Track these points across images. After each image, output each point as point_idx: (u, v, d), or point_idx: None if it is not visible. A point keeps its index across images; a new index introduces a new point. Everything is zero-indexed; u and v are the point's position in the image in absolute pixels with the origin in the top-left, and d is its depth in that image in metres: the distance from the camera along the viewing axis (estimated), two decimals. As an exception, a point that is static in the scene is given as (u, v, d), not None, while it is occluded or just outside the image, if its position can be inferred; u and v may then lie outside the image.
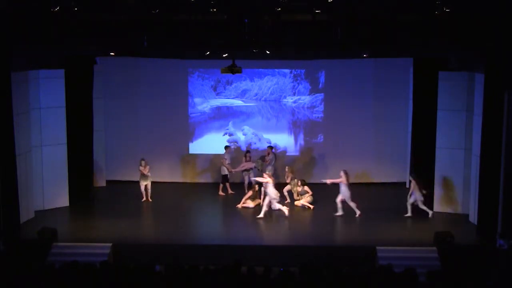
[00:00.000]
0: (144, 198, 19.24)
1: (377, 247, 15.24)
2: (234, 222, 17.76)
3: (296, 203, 18.79)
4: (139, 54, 19.09)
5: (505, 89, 15.36)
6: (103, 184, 21.00)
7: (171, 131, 21.44)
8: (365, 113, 21.23)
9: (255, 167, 19.69)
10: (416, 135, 19.18)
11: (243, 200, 18.68)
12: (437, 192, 18.15)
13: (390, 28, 15.26)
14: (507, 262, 14.16)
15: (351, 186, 17.78)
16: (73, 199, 18.67)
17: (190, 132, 21.62)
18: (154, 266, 11.52)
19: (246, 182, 19.64)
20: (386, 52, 17.68)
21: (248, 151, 20.33)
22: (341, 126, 21.33)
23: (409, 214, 17.56)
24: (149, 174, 19.15)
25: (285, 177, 19.15)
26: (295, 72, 21.26)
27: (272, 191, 17.58)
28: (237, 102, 21.49)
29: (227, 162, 19.90)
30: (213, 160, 21.20)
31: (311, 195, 18.77)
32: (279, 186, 18.92)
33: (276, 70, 21.18)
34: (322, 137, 21.52)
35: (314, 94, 21.28)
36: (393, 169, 21.16)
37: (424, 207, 17.52)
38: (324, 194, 18.99)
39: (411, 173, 18.17)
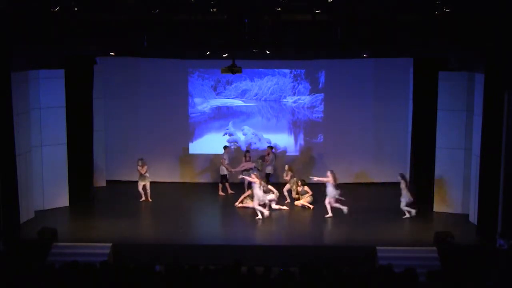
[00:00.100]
0: (143, 198, 19.23)
1: (377, 247, 15.24)
2: (234, 222, 17.76)
3: (296, 203, 18.80)
4: (139, 54, 19.09)
5: (505, 89, 15.36)
6: (103, 184, 21.00)
7: (171, 131, 21.45)
8: (365, 113, 21.24)
9: (255, 167, 19.69)
10: (416, 135, 19.18)
11: (240, 198, 18.70)
12: (437, 192, 18.14)
13: (390, 28, 15.26)
14: (507, 262, 14.16)
15: (339, 186, 17.81)
16: (73, 199, 18.68)
17: (190, 132, 21.63)
18: (154, 266, 11.52)
19: (246, 182, 19.64)
20: (386, 52, 17.68)
21: (247, 151, 20.33)
22: (341, 126, 21.33)
23: (407, 215, 17.54)
24: (147, 174, 19.14)
25: (285, 175, 19.13)
26: (295, 72, 21.26)
27: (259, 192, 17.60)
28: (237, 102, 21.49)
29: (226, 162, 19.91)
30: (213, 160, 21.19)
31: (311, 195, 18.78)
32: (278, 186, 18.95)
33: (276, 70, 21.18)
34: (322, 137, 21.52)
35: (314, 94, 21.29)
36: (393, 169, 21.06)
37: (405, 208, 17.50)
38: (324, 194, 18.96)
39: (399, 173, 18.02)
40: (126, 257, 14.71)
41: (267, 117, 21.56)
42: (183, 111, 21.46)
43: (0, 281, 10.93)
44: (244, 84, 21.34)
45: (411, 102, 19.59)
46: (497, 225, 15.59)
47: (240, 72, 16.73)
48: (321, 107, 21.35)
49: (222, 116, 21.56)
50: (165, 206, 18.88)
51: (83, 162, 19.17)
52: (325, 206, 17.70)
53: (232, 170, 19.92)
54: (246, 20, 15.04)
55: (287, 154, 21.46)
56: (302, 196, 18.83)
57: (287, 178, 19.03)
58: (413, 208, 17.56)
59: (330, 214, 17.66)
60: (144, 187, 19.19)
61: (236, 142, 21.57)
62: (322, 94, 21.27)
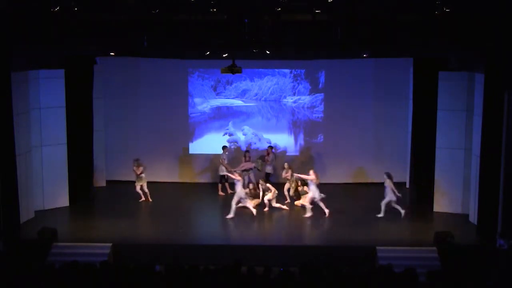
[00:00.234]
0: (142, 199, 19.23)
1: (377, 247, 15.25)
2: (234, 222, 17.74)
3: (296, 203, 18.77)
4: (139, 54, 19.08)
5: (505, 89, 15.36)
6: (103, 184, 21.00)
7: (171, 131, 21.44)
8: (365, 113, 21.24)
9: (255, 167, 19.71)
10: (416, 135, 19.18)
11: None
12: (437, 192, 18.14)
13: (390, 28, 15.26)
14: (507, 262, 14.16)
15: (320, 186, 17.86)
16: (73, 199, 18.68)
17: (190, 132, 21.63)
18: (154, 266, 11.52)
19: (246, 182, 19.63)
20: (386, 52, 17.67)
21: (247, 151, 20.33)
22: (341, 126, 21.33)
23: (402, 214, 17.50)
24: (142, 175, 19.14)
25: (284, 173, 19.14)
26: (295, 72, 21.26)
27: (241, 191, 17.58)
28: (237, 102, 21.49)
29: (225, 162, 19.92)
30: (213, 160, 21.19)
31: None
32: (278, 186, 18.95)
33: (276, 70, 21.18)
34: (322, 137, 21.52)
35: (314, 94, 21.29)
36: (393, 169, 21.05)
37: (383, 207, 17.49)
38: (324, 194, 18.95)
39: (385, 172, 17.97)
40: (126, 257, 14.72)
41: (267, 117, 21.56)
42: (183, 111, 21.46)
43: (0, 281, 10.93)
44: (244, 84, 21.34)
45: (411, 102, 19.59)
46: (497, 225, 15.59)
47: (240, 72, 16.73)
48: (321, 107, 21.35)
49: (222, 116, 21.56)
50: (165, 206, 18.89)
51: (83, 162, 19.16)
52: (327, 206, 17.70)
53: (232, 170, 19.91)
54: (246, 20, 15.05)
55: (287, 154, 21.45)
56: (302, 196, 18.82)
57: (287, 176, 19.04)
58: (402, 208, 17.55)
59: (310, 213, 17.65)
60: (141, 187, 19.19)
61: (236, 142, 21.57)
62: (322, 94, 21.27)
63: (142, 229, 17.20)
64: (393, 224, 17.12)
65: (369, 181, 21.24)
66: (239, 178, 17.77)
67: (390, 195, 17.47)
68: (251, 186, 19.01)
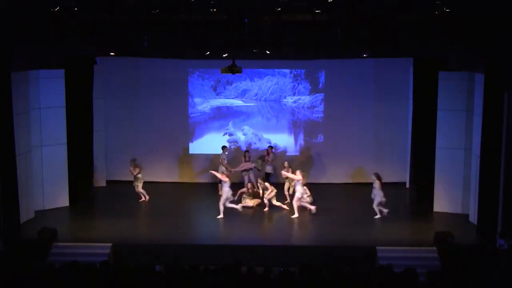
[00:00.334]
0: (142, 199, 19.24)
1: (377, 247, 15.25)
2: (234, 222, 17.74)
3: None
4: (139, 54, 19.09)
5: (505, 89, 15.35)
6: (103, 184, 21.01)
7: (171, 131, 21.45)
8: (365, 113, 21.24)
9: (254, 167, 19.70)
10: (416, 135, 19.17)
11: (241, 198, 18.78)
12: (437, 192, 18.14)
13: (390, 28, 15.26)
14: (507, 262, 14.16)
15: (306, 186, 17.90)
16: (73, 199, 18.69)
17: (190, 132, 21.63)
18: (154, 266, 11.52)
19: (246, 182, 19.63)
20: (386, 52, 17.68)
21: (247, 151, 20.33)
22: (341, 126, 21.33)
23: (379, 215, 17.47)
24: (139, 175, 19.14)
25: (284, 172, 19.16)
26: (295, 72, 21.26)
27: (227, 191, 17.59)
28: (237, 102, 21.49)
29: (225, 162, 19.92)
30: (213, 160, 21.19)
31: (309, 195, 18.76)
32: (279, 186, 18.94)
33: (276, 70, 21.18)
34: (322, 137, 21.52)
35: (314, 94, 21.29)
36: (393, 169, 21.14)
37: (376, 208, 17.45)
38: (324, 194, 18.99)
39: (374, 173, 17.93)
40: (126, 257, 14.72)
41: (267, 117, 21.56)
42: (183, 111, 21.46)
43: (0, 281, 10.93)
44: (244, 84, 21.34)
45: (411, 102, 19.59)
46: (497, 225, 15.59)
47: (240, 72, 16.73)
48: (321, 107, 21.35)
49: (222, 116, 21.56)
50: (165, 206, 18.89)
51: (83, 162, 19.17)
52: (327, 206, 17.70)
53: (232, 170, 19.92)
54: (246, 20, 15.05)
55: (287, 154, 21.44)
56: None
57: (287, 175, 19.06)
58: (386, 208, 17.52)
59: (296, 214, 17.65)
60: (138, 188, 19.20)
61: (236, 142, 21.57)
62: (322, 94, 21.27)
63: (142, 229, 17.19)
64: (393, 224, 17.12)
65: (369, 181, 21.17)
66: (226, 179, 17.74)
67: (379, 196, 17.43)
68: (249, 185, 19.05)
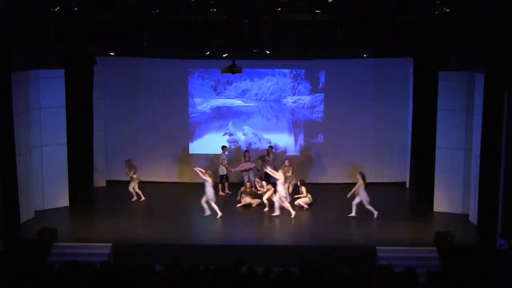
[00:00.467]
0: (135, 198, 19.24)
1: (377, 247, 15.24)
2: (234, 222, 17.75)
3: (296, 202, 18.74)
4: (139, 54, 19.10)
5: (505, 89, 15.35)
6: (103, 184, 21.01)
7: (171, 131, 21.45)
8: (365, 113, 21.24)
9: (254, 167, 19.71)
10: (416, 135, 19.18)
11: (240, 197, 18.84)
12: (437, 192, 18.14)
13: (390, 28, 15.26)
14: (507, 262, 14.15)
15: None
16: (73, 199, 18.69)
17: (190, 132, 21.63)
18: (154, 266, 11.52)
19: (246, 182, 19.62)
20: (386, 52, 17.68)
21: (247, 151, 20.33)
22: (341, 126, 21.33)
23: (353, 214, 17.46)
24: (134, 176, 19.15)
25: (285, 170, 19.17)
26: (295, 72, 21.26)
27: (210, 191, 17.60)
28: (237, 102, 21.49)
29: (225, 162, 19.92)
30: (213, 160, 21.18)
31: (306, 195, 18.76)
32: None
33: (276, 70, 21.18)
34: (322, 137, 21.52)
35: (314, 94, 21.29)
36: (393, 169, 21.17)
37: (369, 207, 17.45)
38: (324, 194, 18.99)
39: (359, 172, 17.95)
40: (126, 257, 14.73)
41: (267, 117, 21.56)
42: (183, 111, 21.47)
43: (0, 281, 10.93)
44: (244, 84, 21.34)
45: (411, 102, 19.59)
46: (497, 225, 15.59)
47: (240, 72, 16.73)
48: (321, 107, 21.35)
49: (222, 116, 21.56)
50: (165, 206, 18.89)
51: (83, 162, 19.17)
52: (326, 206, 17.70)
53: (232, 170, 19.94)
54: (246, 20, 15.04)
55: (287, 154, 21.44)
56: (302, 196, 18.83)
57: (289, 173, 19.08)
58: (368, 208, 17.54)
59: (277, 212, 17.70)
60: (134, 188, 19.21)
61: (236, 142, 21.58)
62: (322, 94, 21.28)
63: (142, 229, 17.17)
64: (393, 224, 17.12)
65: (369, 181, 21.16)
66: (208, 178, 17.71)
67: (362, 195, 17.42)
68: (248, 184, 19.06)
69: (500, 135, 15.55)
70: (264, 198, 18.27)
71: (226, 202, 19.29)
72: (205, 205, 17.61)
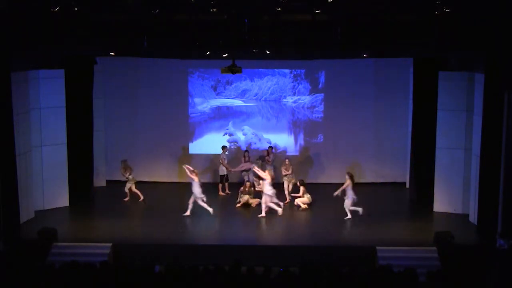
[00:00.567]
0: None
1: (377, 247, 15.24)
2: (234, 222, 17.75)
3: (296, 201, 18.73)
4: (139, 54, 19.05)
5: (505, 89, 15.35)
6: (103, 184, 21.01)
7: (171, 131, 21.45)
8: (365, 113, 21.24)
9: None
10: (416, 135, 19.17)
11: (239, 197, 18.85)
12: (437, 192, 18.14)
13: (390, 28, 15.25)
14: (507, 262, 14.15)
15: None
16: (73, 199, 18.68)
17: (190, 132, 21.63)
18: (154, 266, 11.53)
19: (246, 182, 19.61)
20: (386, 52, 17.66)
21: (247, 151, 20.33)
22: (341, 126, 21.33)
23: (349, 216, 17.37)
24: (130, 176, 19.17)
25: (285, 169, 19.15)
26: (295, 72, 21.26)
27: (197, 191, 17.60)
28: (237, 102, 21.49)
29: (225, 162, 19.93)
30: (213, 160, 21.19)
31: (302, 195, 18.75)
32: (278, 186, 18.93)
33: (276, 70, 21.18)
34: (322, 137, 21.52)
35: (314, 94, 21.29)
36: (393, 169, 21.17)
37: (353, 207, 17.37)
38: (324, 194, 18.97)
39: (347, 172, 17.84)
40: (126, 257, 14.73)
41: (267, 117, 21.56)
42: (183, 111, 21.47)
43: (0, 281, 10.94)
44: (244, 84, 21.34)
45: (411, 102, 19.59)
46: (497, 225, 15.58)
47: (240, 72, 16.74)
48: (321, 107, 21.35)
49: (222, 116, 21.56)
50: (165, 206, 18.88)
51: (83, 162, 19.17)
52: (326, 206, 17.69)
53: (232, 170, 19.93)
54: (246, 20, 15.04)
55: (287, 154, 21.42)
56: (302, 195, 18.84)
57: (289, 172, 19.06)
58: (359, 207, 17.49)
59: (263, 214, 17.65)
60: (130, 188, 19.23)
61: (236, 142, 21.58)
62: (322, 94, 21.27)
63: (142, 229, 17.17)
64: (393, 224, 17.12)
65: (369, 181, 21.22)
66: (195, 178, 17.71)
67: (350, 195, 17.40)
68: (248, 184, 19.05)
69: (500, 135, 15.55)
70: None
71: (226, 202, 19.30)
72: (190, 205, 17.59)
